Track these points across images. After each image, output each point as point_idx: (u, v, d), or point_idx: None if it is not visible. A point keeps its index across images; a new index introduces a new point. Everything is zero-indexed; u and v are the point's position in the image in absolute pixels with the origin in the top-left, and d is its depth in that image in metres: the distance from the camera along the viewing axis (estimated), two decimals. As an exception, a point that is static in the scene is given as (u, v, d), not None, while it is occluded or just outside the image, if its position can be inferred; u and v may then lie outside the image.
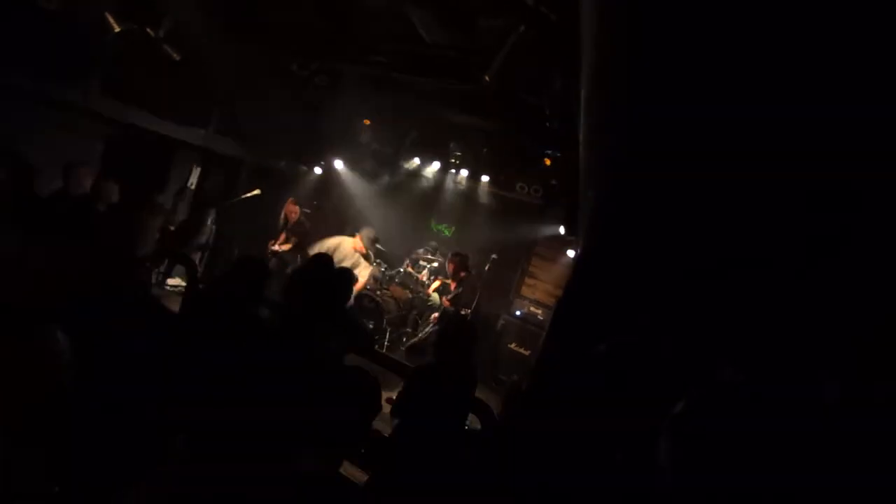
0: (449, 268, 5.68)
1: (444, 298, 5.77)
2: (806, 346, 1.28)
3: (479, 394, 2.88)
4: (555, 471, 1.59)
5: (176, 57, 4.43)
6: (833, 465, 0.90)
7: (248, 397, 2.08)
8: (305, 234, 6.10)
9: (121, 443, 1.61)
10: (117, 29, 4.05)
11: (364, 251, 5.53)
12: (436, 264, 6.41)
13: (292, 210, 6.17)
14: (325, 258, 3.12)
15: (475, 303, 5.36)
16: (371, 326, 5.73)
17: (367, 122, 6.49)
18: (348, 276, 3.34)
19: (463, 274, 5.61)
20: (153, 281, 4.40)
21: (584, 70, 1.48)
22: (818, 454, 0.91)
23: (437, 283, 6.28)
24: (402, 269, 6.49)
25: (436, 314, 5.95)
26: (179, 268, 5.43)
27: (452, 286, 5.73)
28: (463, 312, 5.35)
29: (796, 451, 0.89)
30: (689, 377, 1.36)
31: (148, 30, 4.18)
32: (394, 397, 3.85)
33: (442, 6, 3.22)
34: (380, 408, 1.93)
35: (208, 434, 1.94)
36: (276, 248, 5.95)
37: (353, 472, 3.32)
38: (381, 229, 7.08)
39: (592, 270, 1.92)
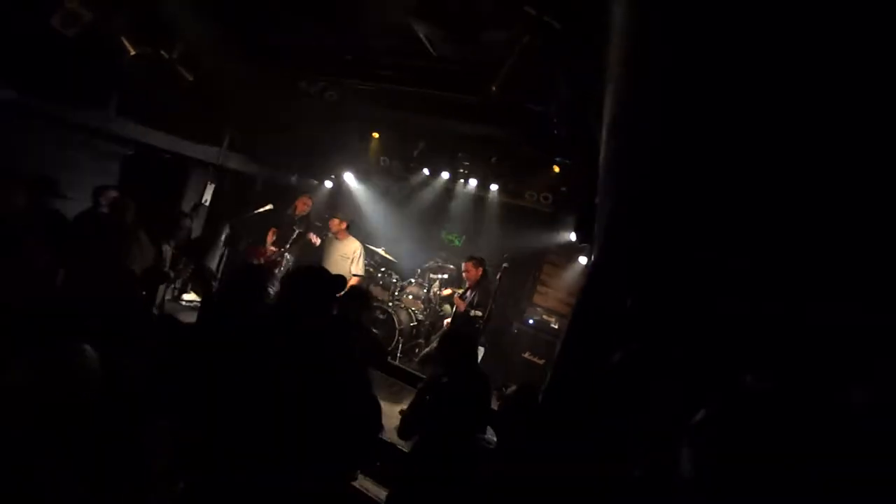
0: (476, 272, 5.61)
1: (456, 298, 5.74)
2: (831, 349, 1.25)
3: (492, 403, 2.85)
4: (573, 482, 1.56)
5: (189, 77, 4.56)
6: (861, 472, 0.87)
7: (258, 409, 2.09)
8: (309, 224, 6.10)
9: (140, 451, 1.63)
10: (133, 52, 4.19)
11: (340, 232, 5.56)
12: (446, 275, 6.40)
13: (305, 203, 6.09)
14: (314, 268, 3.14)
15: (489, 309, 5.32)
16: (383, 338, 5.73)
17: (376, 134, 6.57)
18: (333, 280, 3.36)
19: (481, 275, 5.59)
20: (167, 297, 4.44)
21: (610, 90, 1.48)
22: (845, 461, 0.88)
23: (448, 292, 6.27)
24: (413, 280, 6.50)
25: (448, 320, 5.93)
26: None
27: (468, 285, 5.71)
28: (473, 314, 5.30)
29: (822, 458, 0.87)
30: (709, 384, 1.33)
31: (162, 52, 4.31)
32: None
33: (447, 20, 3.26)
34: (379, 426, 1.91)
35: (220, 445, 1.95)
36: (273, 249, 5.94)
37: (369, 486, 3.31)
38: (392, 240, 7.12)
39: (608, 278, 1.90)
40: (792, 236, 1.39)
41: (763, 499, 0.88)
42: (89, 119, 4.62)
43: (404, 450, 2.62)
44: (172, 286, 5.10)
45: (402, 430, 2.47)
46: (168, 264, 3.73)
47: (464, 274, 5.72)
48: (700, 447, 0.96)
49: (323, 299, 2.42)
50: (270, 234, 5.97)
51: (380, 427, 2.72)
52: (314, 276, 2.53)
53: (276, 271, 5.69)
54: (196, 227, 6.26)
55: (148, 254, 3.24)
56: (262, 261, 5.77)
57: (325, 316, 2.56)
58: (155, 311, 3.53)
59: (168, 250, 3.78)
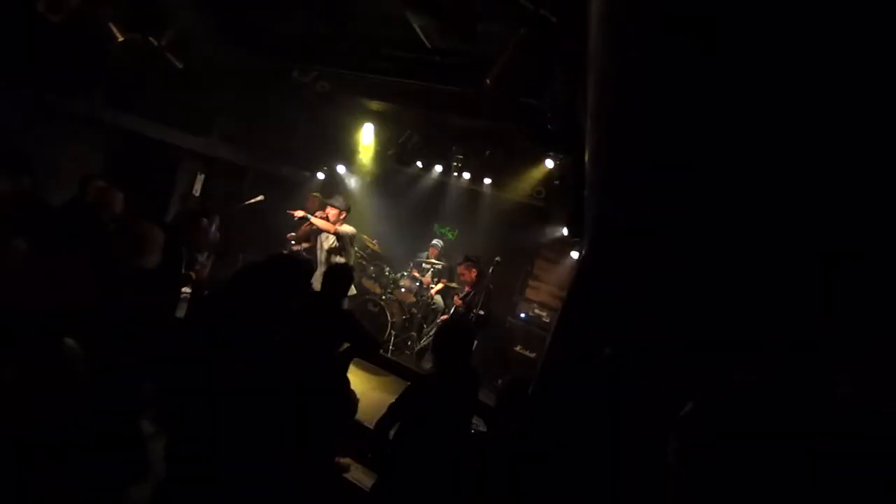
0: (471, 274, 5.62)
1: (455, 297, 5.76)
2: (818, 346, 1.27)
3: (483, 396, 2.87)
4: (563, 473, 1.58)
5: (179, 65, 4.47)
6: (843, 467, 0.89)
7: (246, 402, 2.08)
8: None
9: (129, 445, 1.62)
10: (121, 38, 4.10)
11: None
12: (439, 266, 6.40)
13: (312, 200, 6.06)
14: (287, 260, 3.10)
15: (481, 302, 5.34)
16: (376, 331, 5.72)
17: (370, 126, 6.52)
18: (341, 271, 3.33)
19: (477, 276, 5.60)
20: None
21: (592, 80, 1.48)
22: (828, 456, 0.90)
23: (440, 286, 6.27)
24: (405, 273, 6.50)
25: (445, 316, 5.94)
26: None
27: (467, 288, 5.72)
28: (480, 312, 5.31)
29: (806, 453, 0.88)
30: (697, 377, 1.35)
31: (151, 39, 4.22)
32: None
33: (442, 12, 3.23)
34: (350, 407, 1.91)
35: (209, 436, 1.94)
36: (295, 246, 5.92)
37: (361, 478, 3.33)
38: (384, 233, 7.10)
39: (597, 273, 1.91)
40: (780, 227, 1.41)
41: (748, 490, 0.90)
42: (75, 107, 4.53)
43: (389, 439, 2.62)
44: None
45: (392, 416, 2.46)
46: (185, 266, 3.63)
47: (459, 277, 5.72)
48: (687, 440, 0.97)
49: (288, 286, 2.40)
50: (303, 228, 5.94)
51: (347, 404, 2.74)
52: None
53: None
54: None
55: (145, 247, 3.10)
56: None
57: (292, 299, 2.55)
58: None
59: (185, 252, 3.68)
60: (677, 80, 1.22)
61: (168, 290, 3.22)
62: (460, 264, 5.69)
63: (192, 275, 3.46)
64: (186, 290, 4.50)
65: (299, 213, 5.48)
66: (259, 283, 2.59)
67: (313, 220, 5.28)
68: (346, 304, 4.51)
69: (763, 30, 0.96)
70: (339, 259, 5.10)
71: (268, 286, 2.59)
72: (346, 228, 5.24)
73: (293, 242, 5.89)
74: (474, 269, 5.55)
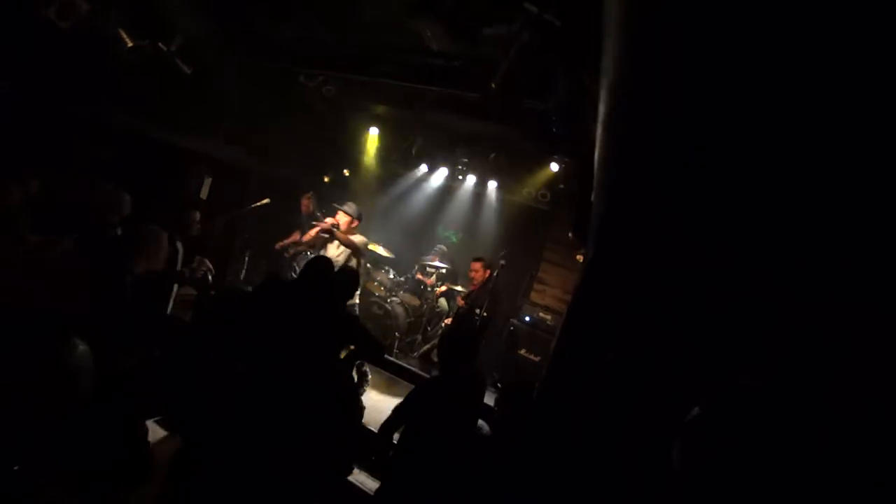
0: (484, 274, 5.64)
1: (458, 298, 5.79)
2: (820, 348, 1.26)
3: (487, 399, 2.86)
4: (567, 478, 1.57)
5: (187, 71, 4.53)
6: (847, 473, 0.88)
7: (252, 405, 2.10)
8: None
9: (132, 448, 1.63)
10: (130, 44, 4.16)
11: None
12: (444, 270, 6.41)
13: (306, 204, 6.04)
14: (322, 262, 3.11)
15: (486, 304, 5.33)
16: (380, 334, 5.73)
17: (375, 129, 6.55)
18: (348, 276, 3.32)
19: (487, 277, 5.63)
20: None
21: (605, 87, 1.47)
22: (833, 463, 0.89)
23: (444, 289, 6.27)
24: (410, 276, 6.50)
25: (448, 319, 5.95)
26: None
27: (472, 287, 5.74)
28: (484, 314, 5.31)
29: (810, 460, 0.88)
30: (702, 382, 1.34)
31: (160, 45, 4.28)
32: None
33: (447, 16, 3.25)
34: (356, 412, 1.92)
35: (212, 438, 1.96)
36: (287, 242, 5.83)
37: (363, 479, 3.33)
38: (388, 236, 7.12)
39: (603, 276, 1.91)
40: (785, 233, 1.40)
41: (753, 497, 0.89)
42: (84, 111, 4.59)
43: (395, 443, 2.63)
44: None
45: (397, 419, 2.45)
46: (181, 263, 3.64)
47: (471, 273, 5.73)
48: (692, 446, 0.96)
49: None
50: (295, 235, 5.89)
51: (352, 408, 2.75)
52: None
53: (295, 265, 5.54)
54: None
55: (152, 250, 3.12)
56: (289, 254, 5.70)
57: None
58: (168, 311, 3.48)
59: (181, 248, 3.69)
60: (696, 87, 1.22)
61: (164, 289, 3.25)
62: (475, 261, 5.70)
63: (185, 272, 3.43)
64: (186, 292, 4.51)
65: (326, 225, 4.84)
66: (284, 298, 2.62)
67: (338, 234, 4.71)
68: (356, 309, 4.48)
69: (787, 36, 0.95)
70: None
71: (293, 302, 2.62)
72: (359, 238, 4.79)
73: (290, 251, 5.78)
74: (488, 270, 5.59)
